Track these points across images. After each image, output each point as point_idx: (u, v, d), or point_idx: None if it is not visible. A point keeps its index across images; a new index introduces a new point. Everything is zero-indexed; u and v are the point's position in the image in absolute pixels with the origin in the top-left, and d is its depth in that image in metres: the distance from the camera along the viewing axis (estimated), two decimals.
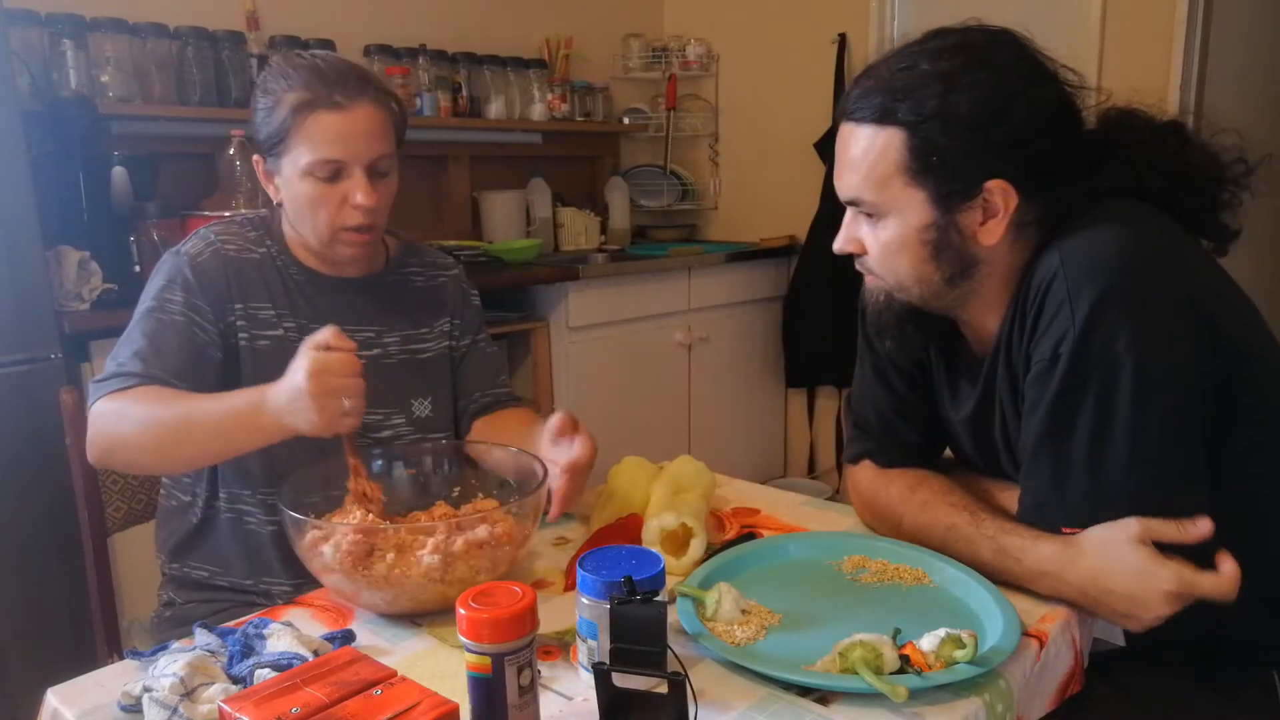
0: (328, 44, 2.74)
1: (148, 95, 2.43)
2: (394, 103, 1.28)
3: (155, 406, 1.14)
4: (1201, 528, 0.94)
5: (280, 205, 1.31)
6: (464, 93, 3.08)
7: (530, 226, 3.30)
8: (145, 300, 1.25)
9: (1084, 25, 2.73)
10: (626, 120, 3.69)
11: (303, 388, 1.01)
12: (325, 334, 1.03)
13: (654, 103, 3.74)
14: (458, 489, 1.22)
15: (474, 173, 3.26)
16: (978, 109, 0.98)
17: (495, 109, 3.19)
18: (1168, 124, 1.10)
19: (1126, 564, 0.95)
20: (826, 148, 3.36)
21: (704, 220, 3.89)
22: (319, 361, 1.01)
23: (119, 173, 2.15)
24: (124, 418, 1.14)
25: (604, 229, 3.55)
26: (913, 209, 1.02)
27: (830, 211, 3.34)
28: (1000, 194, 1.00)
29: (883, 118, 1.01)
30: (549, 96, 3.32)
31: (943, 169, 1.00)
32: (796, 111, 3.47)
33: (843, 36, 3.31)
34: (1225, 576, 0.93)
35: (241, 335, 1.27)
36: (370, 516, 1.08)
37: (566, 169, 3.56)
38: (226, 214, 2.04)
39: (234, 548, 1.30)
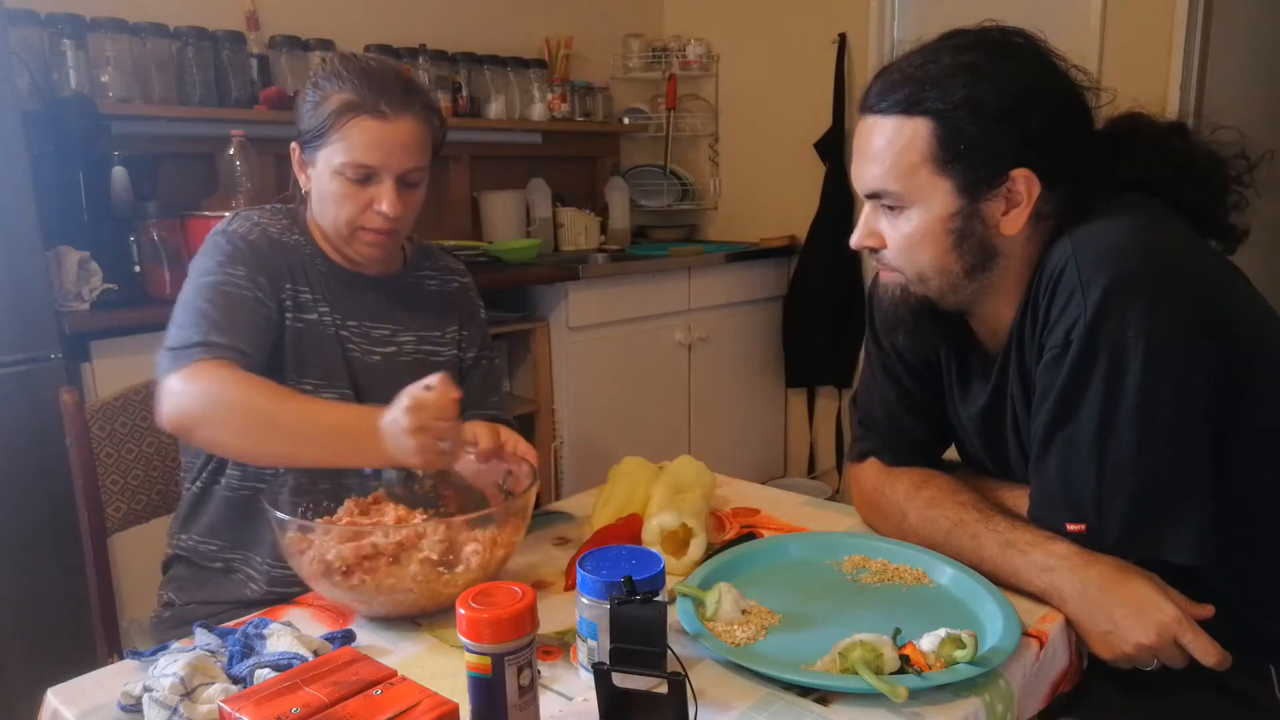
0: (328, 44, 2.75)
1: (148, 95, 2.43)
2: (437, 119, 1.31)
3: (254, 394, 1.13)
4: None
5: (307, 195, 1.33)
6: (464, 93, 3.08)
7: (530, 226, 3.30)
8: (203, 274, 1.24)
9: (1084, 25, 2.73)
10: (626, 120, 3.68)
11: (401, 422, 1.02)
12: (433, 378, 1.05)
13: (654, 103, 3.74)
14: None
15: (474, 173, 3.26)
16: (1004, 98, 1.00)
17: (495, 109, 3.19)
18: (1171, 125, 1.12)
19: (1137, 582, 0.97)
20: (826, 148, 3.36)
21: (704, 220, 3.89)
22: (418, 399, 1.03)
23: (119, 173, 2.14)
24: (218, 398, 1.12)
25: (604, 229, 3.54)
26: (938, 198, 1.03)
27: (830, 211, 3.34)
28: (1024, 183, 1.02)
29: (910, 108, 1.02)
30: (549, 96, 3.32)
31: (970, 157, 1.01)
32: (796, 111, 3.47)
33: (843, 36, 3.31)
34: (1219, 648, 0.95)
35: (288, 315, 1.29)
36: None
37: (566, 169, 3.56)
38: (227, 213, 2.03)
39: (244, 522, 1.31)
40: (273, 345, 1.26)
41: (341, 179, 1.25)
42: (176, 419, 1.14)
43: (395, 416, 1.03)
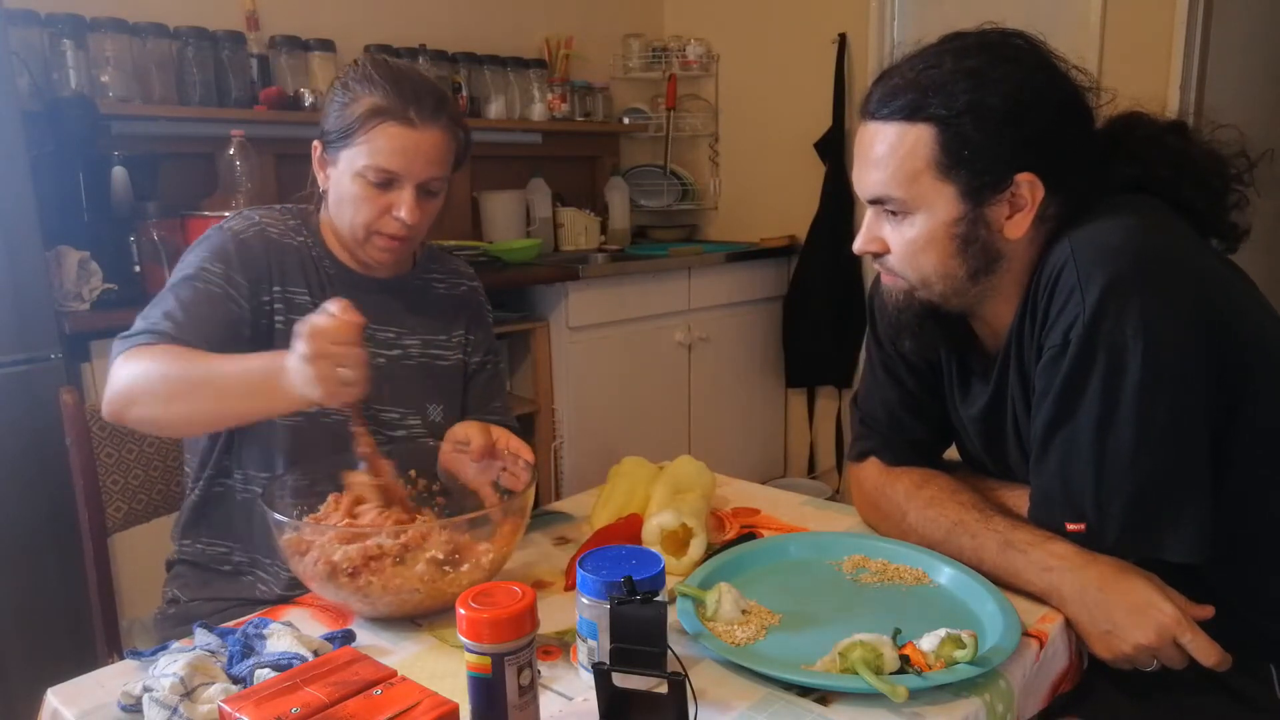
0: (328, 44, 2.75)
1: (148, 95, 2.43)
2: (463, 132, 1.32)
3: (175, 362, 1.12)
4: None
5: (325, 194, 1.33)
6: (464, 93, 3.08)
7: (530, 226, 3.30)
8: (183, 269, 1.25)
9: (1084, 25, 2.73)
10: (626, 120, 3.68)
11: (299, 351, 0.99)
12: (333, 303, 1.01)
13: (654, 103, 3.74)
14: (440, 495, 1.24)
15: (474, 173, 3.26)
16: (1007, 103, 1.00)
17: (495, 109, 3.19)
18: (1170, 124, 1.12)
19: (1137, 582, 0.97)
20: (826, 148, 3.36)
21: (704, 220, 3.89)
22: (315, 325, 0.99)
23: (119, 173, 2.15)
24: (144, 372, 1.12)
25: (604, 229, 3.55)
26: (942, 204, 1.03)
27: (830, 212, 3.34)
28: (1029, 186, 1.02)
29: (913, 114, 1.01)
30: (549, 96, 3.32)
31: (974, 163, 1.01)
32: (796, 111, 3.47)
33: (843, 36, 3.31)
34: (1218, 648, 0.95)
35: (278, 317, 1.28)
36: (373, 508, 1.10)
37: (566, 169, 3.56)
38: (227, 213, 2.03)
39: (253, 524, 1.31)
40: (246, 345, 1.23)
41: (362, 181, 1.25)
42: (110, 403, 1.14)
43: (295, 347, 1.00)
